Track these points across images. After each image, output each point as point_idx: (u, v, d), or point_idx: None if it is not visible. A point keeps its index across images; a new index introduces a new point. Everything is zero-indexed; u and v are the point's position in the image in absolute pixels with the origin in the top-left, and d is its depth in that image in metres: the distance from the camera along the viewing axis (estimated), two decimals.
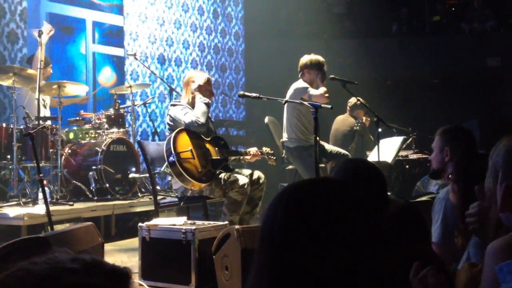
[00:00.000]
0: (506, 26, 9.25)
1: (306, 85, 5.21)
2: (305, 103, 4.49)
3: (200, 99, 4.59)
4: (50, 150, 5.46)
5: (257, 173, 4.69)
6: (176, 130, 4.45)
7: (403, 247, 2.08)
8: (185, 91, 4.75)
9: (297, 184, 1.12)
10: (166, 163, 4.39)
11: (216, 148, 4.63)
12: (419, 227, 2.29)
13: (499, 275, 1.11)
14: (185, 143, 4.43)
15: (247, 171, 4.74)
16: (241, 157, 4.84)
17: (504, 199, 1.12)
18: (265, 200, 4.78)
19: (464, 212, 2.33)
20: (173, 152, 4.29)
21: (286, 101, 4.67)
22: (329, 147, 5.59)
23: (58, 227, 4.41)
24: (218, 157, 4.59)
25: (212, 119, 5.02)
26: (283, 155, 5.60)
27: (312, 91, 5.14)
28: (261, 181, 4.67)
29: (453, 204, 2.58)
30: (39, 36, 5.31)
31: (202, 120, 4.49)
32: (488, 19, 9.39)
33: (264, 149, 4.97)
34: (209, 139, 4.64)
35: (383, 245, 1.07)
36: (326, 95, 5.11)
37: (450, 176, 2.48)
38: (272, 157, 4.97)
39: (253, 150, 4.85)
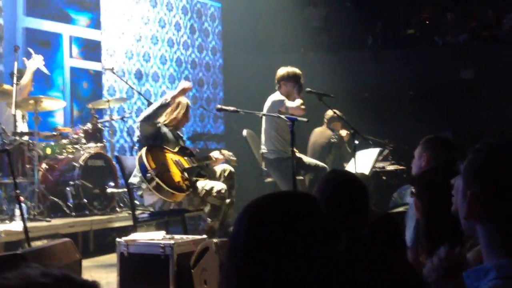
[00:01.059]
0: (478, 39, 9.45)
1: (282, 97, 5.27)
2: (282, 116, 4.55)
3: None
4: (27, 166, 5.40)
5: (221, 167, 4.92)
6: (145, 148, 4.46)
7: (380, 257, 2.13)
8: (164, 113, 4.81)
9: (261, 198, 1.16)
10: (138, 179, 4.40)
11: (185, 158, 4.70)
12: (396, 237, 2.34)
13: (466, 281, 1.15)
14: (156, 158, 4.47)
15: (220, 167, 4.91)
16: (208, 162, 4.92)
17: (470, 206, 1.16)
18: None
19: (427, 228, 2.38)
20: (149, 168, 4.31)
21: (264, 115, 4.73)
22: (307, 159, 5.64)
23: (36, 244, 4.38)
24: (190, 166, 4.65)
25: (181, 134, 5.06)
26: (263, 167, 5.64)
27: (289, 103, 5.20)
28: (226, 173, 4.89)
29: None
30: (15, 51, 5.30)
31: (140, 118, 4.54)
32: (461, 32, 9.59)
33: (224, 151, 5.17)
34: (176, 150, 4.72)
35: (339, 262, 1.12)
36: (302, 107, 5.18)
37: (413, 191, 2.52)
38: (232, 158, 5.17)
39: (215, 153, 4.97)
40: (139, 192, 4.57)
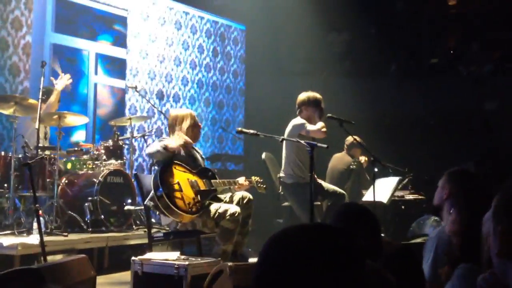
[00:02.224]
0: (503, 70, 9.38)
1: (303, 121, 5.27)
2: (301, 141, 4.55)
3: (167, 139, 4.68)
4: (47, 180, 5.47)
5: (241, 194, 4.76)
6: (163, 164, 4.49)
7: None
8: (171, 132, 4.83)
9: (287, 230, 1.14)
10: (150, 197, 4.42)
11: (204, 180, 4.66)
12: (414, 270, 2.32)
13: None
14: (172, 176, 4.47)
15: (238, 195, 4.77)
16: (231, 187, 4.87)
17: (502, 242, 1.14)
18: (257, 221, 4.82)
19: (463, 241, 2.36)
20: (160, 186, 4.32)
21: (283, 139, 4.72)
22: (326, 185, 5.61)
23: (52, 258, 4.40)
24: (206, 188, 4.61)
25: (201, 153, 5.05)
26: (280, 191, 5.63)
27: (310, 127, 5.21)
28: (245, 201, 4.74)
29: (446, 240, 2.63)
30: (42, 67, 5.40)
31: (146, 152, 4.62)
32: (486, 62, 9.53)
33: (253, 178, 5.03)
34: (196, 171, 4.69)
35: None
36: (324, 129, 5.18)
37: (451, 210, 2.53)
38: (261, 185, 5.04)
39: (241, 179, 4.90)
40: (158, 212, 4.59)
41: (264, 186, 5.07)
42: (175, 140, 4.64)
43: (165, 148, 4.50)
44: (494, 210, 1.20)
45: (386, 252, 2.39)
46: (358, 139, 5.69)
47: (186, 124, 4.73)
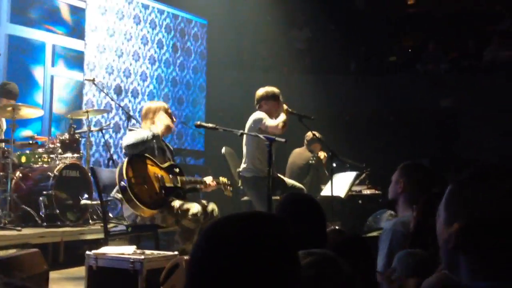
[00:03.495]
0: (459, 69, 9.62)
1: (263, 116, 5.28)
2: (260, 136, 4.56)
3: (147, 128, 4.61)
4: (1, 173, 5.34)
5: (211, 205, 4.68)
6: (129, 156, 4.43)
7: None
8: (144, 122, 4.75)
9: (221, 219, 1.14)
10: (117, 188, 4.36)
11: (171, 176, 4.61)
12: (365, 259, 2.36)
13: None
14: (138, 169, 4.41)
15: (201, 202, 4.72)
16: (198, 186, 4.83)
17: (457, 238, 1.17)
18: None
19: (413, 242, 2.42)
20: (124, 178, 4.27)
21: (242, 133, 4.72)
22: (286, 180, 5.64)
23: (4, 253, 4.30)
24: (172, 185, 4.57)
25: (171, 147, 5.01)
26: (239, 186, 5.63)
27: (268, 122, 5.22)
28: (214, 213, 4.65)
29: (401, 232, 2.68)
30: None
31: (124, 143, 4.49)
32: (442, 61, 9.76)
33: (221, 179, 4.98)
34: (164, 166, 4.63)
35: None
36: (280, 125, 5.18)
37: (414, 207, 2.57)
38: (228, 188, 4.98)
39: (208, 179, 4.85)
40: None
41: (231, 188, 5.02)
42: (158, 126, 4.60)
43: (154, 136, 4.49)
44: (449, 205, 1.23)
45: (337, 241, 2.43)
46: (317, 134, 5.75)
47: (158, 116, 4.67)
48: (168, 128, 4.69)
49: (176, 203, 4.49)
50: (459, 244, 1.17)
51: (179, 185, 4.62)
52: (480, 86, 8.85)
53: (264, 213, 1.20)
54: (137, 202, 4.27)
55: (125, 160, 4.41)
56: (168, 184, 4.54)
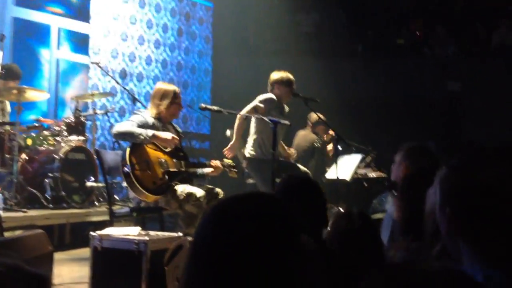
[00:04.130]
0: (466, 52, 9.52)
1: (266, 101, 5.23)
2: (265, 118, 4.54)
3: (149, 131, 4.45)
4: (7, 156, 5.36)
5: (216, 190, 4.68)
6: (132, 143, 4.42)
7: (337, 257, 2.14)
8: (151, 103, 4.72)
9: (226, 199, 1.14)
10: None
11: (174, 160, 4.60)
12: (374, 243, 2.35)
13: None
14: (141, 154, 4.39)
15: (206, 187, 4.70)
16: (204, 172, 4.81)
17: (450, 223, 1.16)
18: None
19: (405, 229, 2.40)
20: (128, 163, 4.27)
21: (247, 116, 4.70)
22: (291, 163, 5.64)
23: (10, 234, 4.32)
24: (176, 169, 4.56)
25: (179, 130, 4.97)
26: (244, 168, 5.63)
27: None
28: (219, 196, 4.65)
29: None
30: (1, 40, 5.26)
31: (114, 130, 4.42)
32: (450, 45, 9.66)
33: (226, 161, 4.95)
34: (168, 150, 4.61)
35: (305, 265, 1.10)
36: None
37: (395, 194, 2.54)
38: (233, 169, 4.94)
39: (216, 162, 4.83)
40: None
41: (236, 170, 4.96)
42: (165, 134, 4.48)
43: (153, 136, 4.37)
44: (441, 189, 1.21)
45: (344, 222, 2.41)
46: (321, 116, 5.72)
47: (166, 100, 4.60)
48: (172, 116, 4.66)
49: (179, 188, 4.47)
50: (451, 229, 1.16)
51: (183, 169, 4.61)
52: (488, 70, 8.77)
53: (266, 193, 1.20)
54: (140, 188, 4.27)
55: (128, 145, 4.40)
56: (171, 169, 4.53)
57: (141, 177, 4.32)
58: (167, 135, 4.49)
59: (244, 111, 5.13)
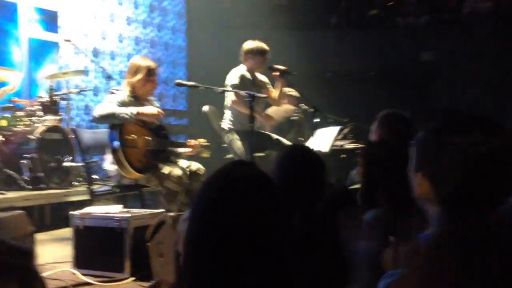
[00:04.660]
0: (440, 21, 9.58)
1: (236, 79, 5.20)
2: (241, 92, 4.54)
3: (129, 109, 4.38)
4: None
5: (196, 165, 4.68)
6: None
7: (334, 230, 2.17)
8: (125, 80, 4.63)
9: (221, 169, 1.18)
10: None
11: (158, 138, 4.56)
12: (353, 211, 2.39)
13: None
14: (129, 131, 4.33)
15: (185, 163, 4.70)
16: (181, 151, 4.77)
17: (420, 187, 1.19)
18: None
19: (364, 192, 2.44)
20: (116, 138, 4.21)
21: (223, 90, 4.69)
22: (272, 135, 5.66)
23: None
24: (160, 148, 4.52)
25: (159, 107, 4.91)
26: (223, 143, 5.64)
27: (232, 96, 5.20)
28: (200, 172, 4.65)
29: None
30: None
31: (95, 114, 4.33)
32: (423, 14, 9.71)
33: (199, 140, 4.91)
34: (152, 127, 4.55)
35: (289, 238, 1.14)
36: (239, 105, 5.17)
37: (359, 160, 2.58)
38: (206, 150, 4.89)
39: (193, 141, 4.78)
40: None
41: (209, 150, 4.92)
42: (148, 108, 4.40)
43: (138, 113, 4.29)
44: (416, 153, 1.24)
45: (327, 194, 2.45)
46: (293, 92, 5.72)
47: (139, 75, 4.48)
48: (146, 93, 4.60)
49: (161, 166, 4.46)
50: (422, 193, 1.20)
51: (166, 147, 4.59)
52: (460, 39, 8.86)
53: (244, 161, 1.24)
54: (127, 165, 4.24)
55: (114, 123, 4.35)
56: (156, 147, 4.49)
57: (129, 154, 4.27)
58: (152, 109, 4.42)
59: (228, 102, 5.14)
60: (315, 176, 2.21)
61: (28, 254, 0.90)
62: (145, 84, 4.54)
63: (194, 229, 1.12)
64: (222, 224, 1.07)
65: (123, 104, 4.37)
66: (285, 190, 2.07)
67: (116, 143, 4.22)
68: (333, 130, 6.11)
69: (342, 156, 6.44)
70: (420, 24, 9.57)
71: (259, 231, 1.08)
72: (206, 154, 4.92)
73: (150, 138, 4.48)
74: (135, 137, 4.37)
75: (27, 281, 0.89)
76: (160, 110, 4.50)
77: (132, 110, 4.29)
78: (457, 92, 8.57)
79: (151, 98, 4.77)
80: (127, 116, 4.26)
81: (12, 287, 0.87)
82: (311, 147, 5.45)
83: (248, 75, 5.34)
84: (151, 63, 4.65)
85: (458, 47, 8.74)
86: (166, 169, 4.42)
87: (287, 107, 6.77)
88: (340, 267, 1.93)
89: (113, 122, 4.29)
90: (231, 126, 5.38)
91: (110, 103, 4.36)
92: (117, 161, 4.25)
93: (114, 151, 4.23)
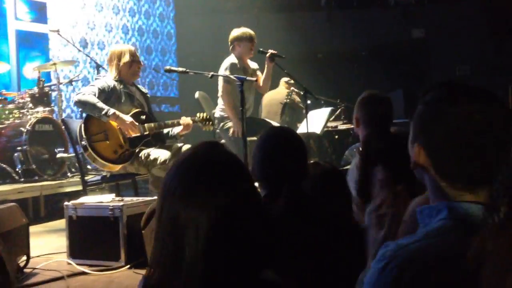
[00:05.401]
0: None
1: (226, 72, 5.17)
2: (231, 76, 4.51)
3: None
4: None
5: (185, 146, 4.62)
6: (87, 114, 4.34)
7: (320, 208, 2.17)
8: (109, 66, 4.60)
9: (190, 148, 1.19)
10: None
11: (137, 124, 4.47)
12: (341, 190, 2.39)
13: (418, 217, 1.18)
14: (98, 125, 4.30)
15: (176, 146, 4.63)
16: (175, 133, 4.68)
17: (416, 158, 1.19)
18: None
19: (362, 186, 2.45)
20: (84, 136, 4.21)
21: (212, 75, 4.64)
22: (263, 120, 5.66)
23: None
24: (138, 134, 4.45)
25: (145, 90, 4.87)
26: (215, 129, 5.61)
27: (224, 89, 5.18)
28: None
29: None
30: None
31: (75, 98, 4.31)
32: None
33: (198, 114, 4.67)
34: (130, 114, 4.46)
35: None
36: (228, 103, 5.16)
37: (360, 150, 2.57)
38: (208, 123, 4.67)
39: (184, 118, 4.59)
40: None
41: (211, 122, 4.70)
42: (125, 116, 4.35)
43: (113, 115, 4.25)
44: (412, 125, 1.24)
45: (316, 173, 2.45)
46: (288, 78, 5.67)
47: (124, 60, 4.46)
48: (133, 75, 4.57)
49: (144, 153, 4.39)
50: (418, 164, 1.19)
51: (146, 132, 4.47)
52: (450, 15, 8.83)
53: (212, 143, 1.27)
54: (101, 160, 4.23)
55: (84, 118, 4.33)
56: (133, 134, 4.45)
57: (100, 149, 4.25)
58: (127, 118, 4.35)
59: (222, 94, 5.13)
60: (296, 155, 2.21)
61: None
62: (131, 66, 4.51)
63: (164, 212, 1.12)
64: (192, 208, 1.07)
65: (105, 89, 4.35)
66: (268, 170, 2.08)
67: (84, 142, 4.21)
68: (325, 112, 6.11)
69: (335, 137, 6.45)
70: (410, 1, 9.53)
71: (235, 209, 1.08)
72: (209, 128, 4.73)
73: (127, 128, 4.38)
74: (105, 130, 4.32)
75: None
76: (135, 123, 4.39)
77: (110, 111, 4.26)
78: (448, 68, 8.56)
79: (137, 84, 4.75)
80: (102, 113, 4.23)
81: None
82: (304, 129, 5.47)
83: (237, 63, 5.31)
84: (130, 46, 4.68)
85: (448, 24, 8.72)
86: (152, 155, 4.37)
87: (280, 91, 6.76)
88: (328, 243, 1.94)
89: (87, 112, 4.29)
90: (223, 110, 5.36)
91: (92, 87, 4.34)
92: (91, 158, 4.26)
93: (85, 150, 4.23)
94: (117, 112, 4.30)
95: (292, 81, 6.48)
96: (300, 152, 2.25)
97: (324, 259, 1.87)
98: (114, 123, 4.36)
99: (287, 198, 2.05)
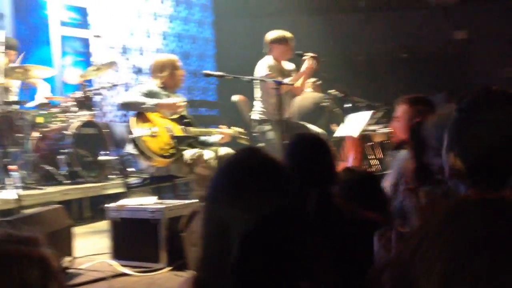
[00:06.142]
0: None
1: (265, 68, 5.20)
2: (268, 80, 4.54)
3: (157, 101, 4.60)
4: (18, 135, 5.40)
5: (225, 150, 4.74)
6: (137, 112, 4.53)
7: (357, 215, 2.17)
8: (152, 77, 4.81)
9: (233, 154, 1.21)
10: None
11: (181, 126, 4.68)
12: (377, 196, 2.38)
13: None
14: (147, 122, 4.52)
15: (217, 148, 4.79)
16: (213, 140, 4.85)
17: (451, 167, 1.18)
18: None
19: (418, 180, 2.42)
20: (133, 131, 4.38)
21: (251, 79, 4.69)
22: (302, 124, 5.66)
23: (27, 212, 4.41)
24: (182, 134, 4.66)
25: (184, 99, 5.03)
26: (253, 132, 5.65)
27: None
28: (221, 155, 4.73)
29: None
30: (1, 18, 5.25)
31: (119, 101, 4.64)
32: None
33: (233, 129, 4.99)
34: (172, 117, 4.72)
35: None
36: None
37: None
38: (243, 136, 5.02)
39: (227, 130, 4.87)
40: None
41: (247, 137, 5.05)
42: (169, 99, 4.65)
43: (157, 105, 4.53)
44: (448, 133, 1.23)
45: (349, 179, 2.45)
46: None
47: (167, 71, 4.74)
48: (176, 85, 4.76)
49: (188, 152, 4.60)
50: (453, 173, 1.18)
51: (190, 135, 4.70)
52: (493, 16, 8.64)
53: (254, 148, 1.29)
54: (149, 153, 4.38)
55: (134, 113, 4.50)
56: (178, 133, 4.63)
57: (148, 143, 4.42)
58: (171, 100, 4.62)
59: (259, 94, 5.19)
60: (323, 161, 2.24)
61: (36, 241, 0.96)
62: (174, 76, 4.67)
63: (210, 218, 1.14)
64: (238, 211, 1.09)
65: (149, 93, 4.58)
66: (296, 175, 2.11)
67: (135, 135, 4.35)
68: (365, 115, 6.05)
69: (375, 141, 6.36)
70: (451, 2, 9.36)
71: (276, 215, 1.09)
72: (244, 142, 5.02)
73: (171, 126, 4.65)
74: (154, 126, 4.52)
75: (46, 266, 0.95)
76: (181, 99, 4.63)
77: (153, 101, 4.55)
78: (491, 71, 8.36)
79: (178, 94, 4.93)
80: (147, 106, 4.49)
81: (34, 273, 0.92)
82: (342, 132, 5.44)
83: (275, 65, 5.32)
84: (172, 56, 4.94)
85: (492, 25, 8.52)
86: (195, 155, 4.56)
87: (314, 94, 6.72)
88: (357, 248, 1.93)
89: (134, 109, 4.57)
90: (263, 116, 5.38)
91: (135, 91, 4.64)
92: (140, 151, 4.39)
93: (135, 143, 4.36)
94: (159, 101, 4.59)
95: (318, 82, 6.44)
96: (327, 156, 2.27)
97: (356, 265, 1.86)
98: (160, 122, 4.52)
99: (318, 202, 2.06)
